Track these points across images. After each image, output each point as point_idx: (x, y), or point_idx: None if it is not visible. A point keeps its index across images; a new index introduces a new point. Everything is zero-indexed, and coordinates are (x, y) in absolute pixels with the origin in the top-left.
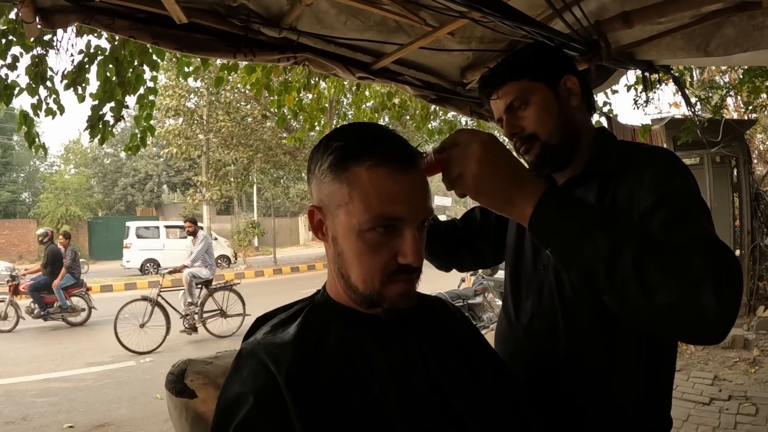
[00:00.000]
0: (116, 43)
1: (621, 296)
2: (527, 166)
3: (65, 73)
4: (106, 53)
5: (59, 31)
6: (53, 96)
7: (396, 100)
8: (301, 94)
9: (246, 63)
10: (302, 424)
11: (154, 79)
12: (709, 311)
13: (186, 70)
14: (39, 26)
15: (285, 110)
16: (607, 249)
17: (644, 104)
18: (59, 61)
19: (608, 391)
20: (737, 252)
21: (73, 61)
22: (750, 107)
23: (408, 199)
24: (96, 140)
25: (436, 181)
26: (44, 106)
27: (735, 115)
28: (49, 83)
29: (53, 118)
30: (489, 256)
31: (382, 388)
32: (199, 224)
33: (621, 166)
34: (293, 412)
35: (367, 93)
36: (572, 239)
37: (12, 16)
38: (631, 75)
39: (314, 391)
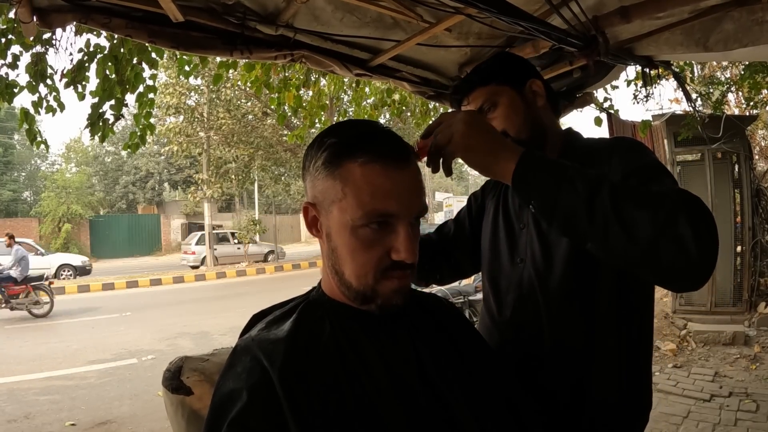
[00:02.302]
0: (115, 41)
1: (602, 237)
2: None
3: (65, 71)
4: (105, 51)
5: (58, 30)
6: (53, 93)
7: (396, 97)
8: (300, 92)
9: (245, 61)
10: (295, 419)
11: (153, 77)
12: (687, 242)
13: (186, 69)
14: (36, 25)
15: (285, 108)
16: (585, 191)
17: (644, 99)
18: (59, 60)
19: (590, 377)
20: (738, 248)
21: (72, 60)
22: (751, 103)
23: (401, 195)
24: (96, 138)
25: (437, 179)
26: (44, 104)
27: (736, 111)
28: (49, 81)
29: (53, 115)
30: (467, 265)
31: (375, 384)
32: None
33: (589, 159)
34: (286, 408)
35: (367, 90)
36: (553, 186)
37: (11, 15)
38: (631, 70)
39: (307, 386)
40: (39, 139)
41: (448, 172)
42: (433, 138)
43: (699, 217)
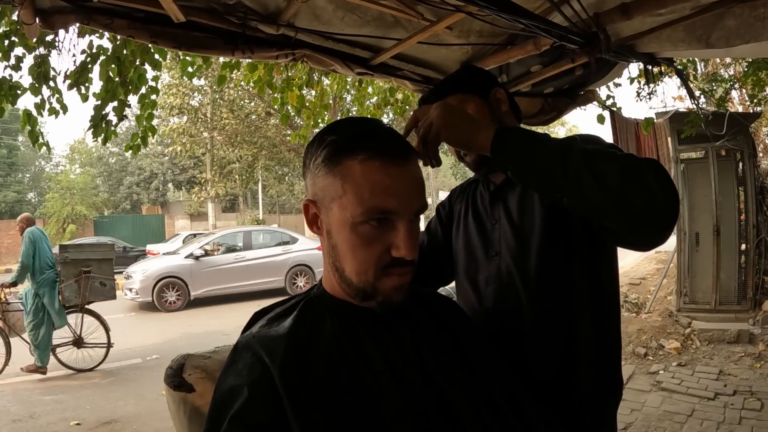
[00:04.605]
0: (118, 42)
1: (577, 189)
2: (468, 168)
3: (68, 73)
4: (108, 53)
5: (61, 32)
6: (56, 95)
7: (399, 96)
8: (303, 91)
9: (248, 61)
10: (296, 415)
11: (156, 78)
12: (653, 188)
13: (189, 70)
14: (39, 27)
15: (288, 107)
16: (557, 150)
17: (647, 97)
18: (62, 61)
19: (574, 356)
20: (743, 246)
21: (75, 61)
22: (755, 100)
23: (400, 192)
24: (99, 140)
25: (440, 178)
26: (47, 106)
27: (740, 109)
28: (52, 83)
29: (56, 117)
30: (446, 271)
31: (376, 380)
32: None
33: None
34: (287, 404)
35: (369, 89)
36: (528, 149)
37: (14, 17)
38: (634, 68)
39: (307, 383)
40: (41, 140)
41: (437, 161)
42: (417, 134)
43: (660, 171)
